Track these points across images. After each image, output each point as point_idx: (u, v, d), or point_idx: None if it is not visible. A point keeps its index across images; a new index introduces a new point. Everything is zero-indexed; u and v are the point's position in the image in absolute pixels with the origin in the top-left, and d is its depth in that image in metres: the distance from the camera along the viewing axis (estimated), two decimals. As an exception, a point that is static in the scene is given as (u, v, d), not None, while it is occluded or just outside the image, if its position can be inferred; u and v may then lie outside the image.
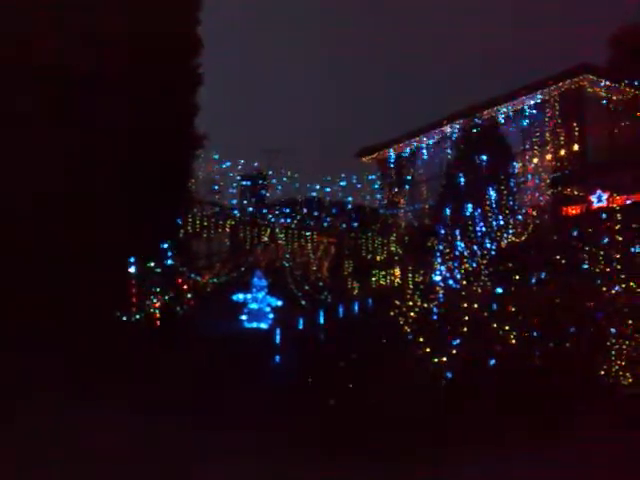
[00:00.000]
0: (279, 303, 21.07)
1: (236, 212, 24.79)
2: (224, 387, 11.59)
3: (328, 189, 25.54)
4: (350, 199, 26.43)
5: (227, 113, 71.03)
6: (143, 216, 13.54)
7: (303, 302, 22.90)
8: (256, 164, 25.08)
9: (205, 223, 23.72)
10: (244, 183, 25.40)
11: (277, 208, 25.49)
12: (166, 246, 16.99)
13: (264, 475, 7.98)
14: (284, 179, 24.90)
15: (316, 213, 26.03)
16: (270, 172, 25.15)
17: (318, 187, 25.38)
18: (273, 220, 25.19)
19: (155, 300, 17.25)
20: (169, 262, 17.41)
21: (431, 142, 27.19)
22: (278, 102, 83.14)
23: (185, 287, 19.65)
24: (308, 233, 26.01)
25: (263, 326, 20.26)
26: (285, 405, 10.92)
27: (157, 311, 17.20)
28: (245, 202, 25.15)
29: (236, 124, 62.78)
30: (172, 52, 13.75)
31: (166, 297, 17.55)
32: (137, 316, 16.15)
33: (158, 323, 16.88)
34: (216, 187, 23.99)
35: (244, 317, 20.37)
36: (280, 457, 8.61)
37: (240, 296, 20.77)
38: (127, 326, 15.24)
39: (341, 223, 26.36)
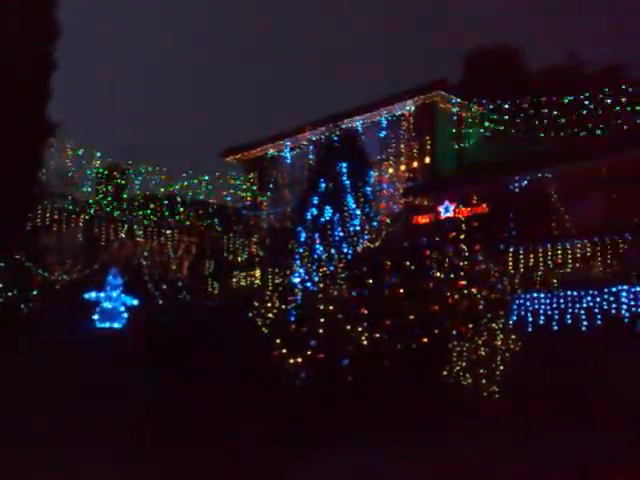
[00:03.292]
0: (135, 302, 20.43)
1: (91, 206, 23.64)
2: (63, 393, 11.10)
3: (190, 187, 25.07)
4: (213, 198, 26.15)
5: (91, 103, 67.71)
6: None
7: (160, 302, 22.36)
8: (115, 157, 24.10)
9: (56, 216, 22.42)
10: (101, 176, 24.29)
11: (136, 204, 24.60)
12: (9, 239, 15.93)
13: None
14: (144, 174, 24.12)
15: (178, 211, 25.45)
16: (130, 166, 24.24)
17: (179, 184, 24.82)
18: (131, 216, 24.30)
19: (-5, 297, 16.16)
20: (13, 256, 16.37)
21: (294, 146, 27.61)
22: (143, 98, 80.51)
23: (32, 284, 18.58)
24: (168, 231, 25.38)
25: (116, 326, 19.56)
26: (132, 408, 10.67)
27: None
28: (101, 196, 24.05)
29: (100, 114, 59.91)
30: (21, 34, 12.87)
31: (9, 293, 16.49)
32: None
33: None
34: (70, 179, 22.75)
35: (96, 316, 19.53)
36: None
37: (93, 294, 19.88)
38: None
39: (203, 222, 25.99)
